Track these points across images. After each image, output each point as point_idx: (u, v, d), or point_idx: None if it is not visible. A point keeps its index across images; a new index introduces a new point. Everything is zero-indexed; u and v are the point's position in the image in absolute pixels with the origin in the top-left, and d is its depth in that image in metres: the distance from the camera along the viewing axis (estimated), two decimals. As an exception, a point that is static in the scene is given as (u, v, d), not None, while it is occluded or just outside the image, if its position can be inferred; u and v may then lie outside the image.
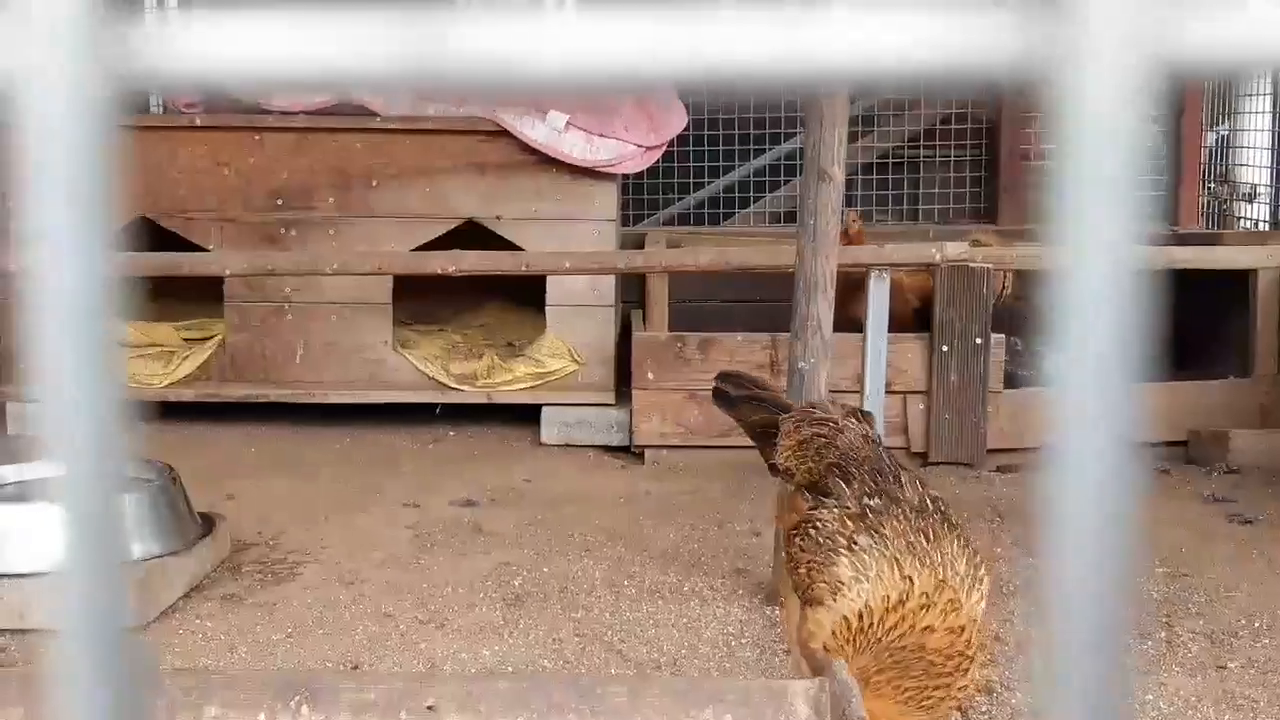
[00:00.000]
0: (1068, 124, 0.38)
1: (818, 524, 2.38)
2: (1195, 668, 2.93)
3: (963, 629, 2.15)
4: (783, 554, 2.64)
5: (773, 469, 2.77)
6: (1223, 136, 6.21)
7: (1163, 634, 3.13)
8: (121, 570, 0.38)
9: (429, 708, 2.17)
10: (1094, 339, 0.40)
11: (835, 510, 2.37)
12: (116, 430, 0.38)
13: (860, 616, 2.20)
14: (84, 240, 0.37)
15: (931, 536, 2.25)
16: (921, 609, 2.16)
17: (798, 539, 2.44)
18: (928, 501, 2.33)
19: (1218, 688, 2.82)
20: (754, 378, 3.00)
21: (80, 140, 0.36)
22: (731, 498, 4.42)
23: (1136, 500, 0.41)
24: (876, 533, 2.29)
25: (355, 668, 2.93)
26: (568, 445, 5.05)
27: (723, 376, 3.02)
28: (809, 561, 2.36)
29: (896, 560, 2.22)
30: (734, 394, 2.92)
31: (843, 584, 2.26)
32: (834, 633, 2.24)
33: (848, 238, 5.03)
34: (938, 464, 4.75)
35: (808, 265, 3.38)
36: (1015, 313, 5.50)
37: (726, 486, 4.55)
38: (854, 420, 2.61)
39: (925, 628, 2.16)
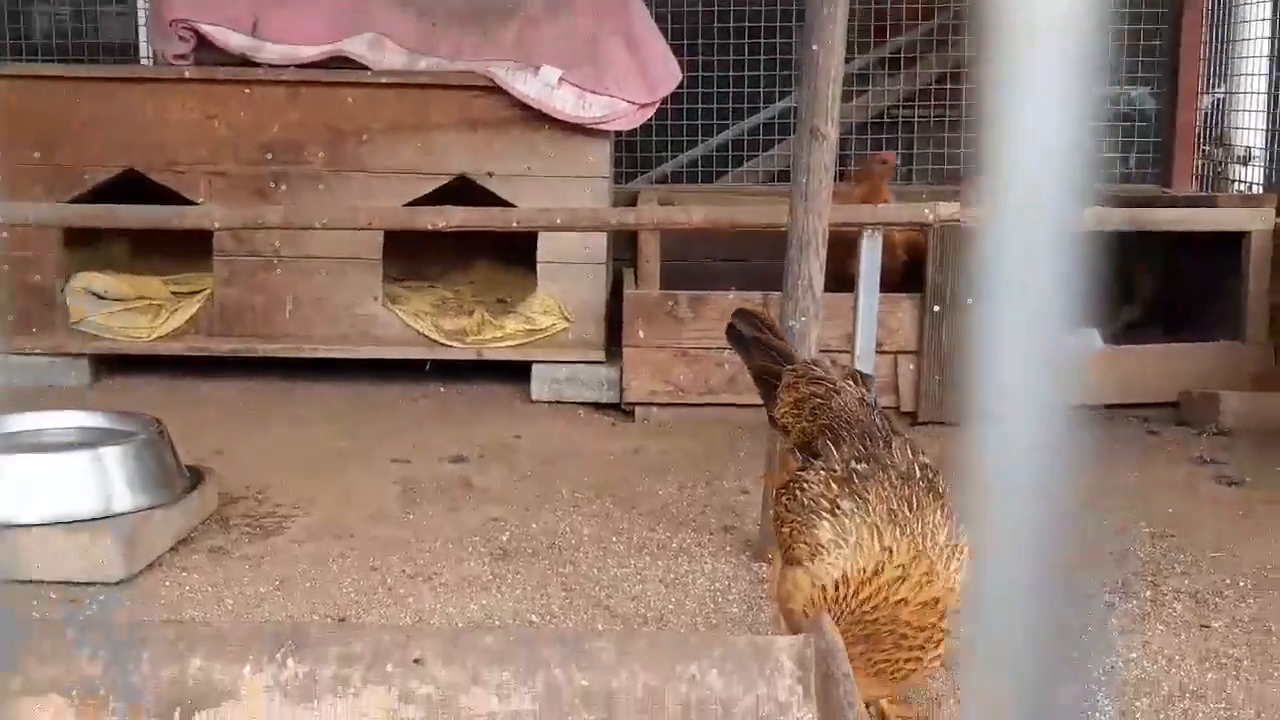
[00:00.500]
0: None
1: (804, 485, 2.38)
2: (1179, 626, 2.94)
3: (937, 600, 2.16)
4: (770, 511, 2.64)
5: (771, 421, 2.77)
6: (1219, 100, 6.18)
7: (1148, 593, 3.14)
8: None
9: (415, 661, 2.17)
10: (1027, 293, 0.39)
11: (822, 473, 2.37)
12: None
13: (837, 586, 2.21)
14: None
15: (915, 505, 2.25)
16: (897, 580, 2.17)
17: (784, 498, 2.44)
18: (916, 469, 2.33)
19: (1201, 646, 2.84)
20: (769, 320, 2.97)
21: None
22: (720, 455, 4.43)
23: (1072, 454, 0.40)
24: (860, 498, 2.29)
25: (342, 620, 2.94)
26: (558, 402, 5.04)
27: (739, 314, 3.00)
28: (792, 521, 2.37)
29: (877, 528, 2.23)
30: (747, 335, 2.89)
31: (823, 547, 2.26)
32: (812, 599, 2.24)
33: (877, 173, 5.07)
34: (926, 424, 4.75)
35: (800, 223, 3.36)
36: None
37: (716, 444, 4.55)
38: (851, 383, 2.60)
39: (899, 600, 2.17)
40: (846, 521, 2.26)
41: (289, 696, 2.14)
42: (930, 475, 2.33)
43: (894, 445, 2.39)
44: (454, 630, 2.59)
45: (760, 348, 2.85)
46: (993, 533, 0.38)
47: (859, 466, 2.34)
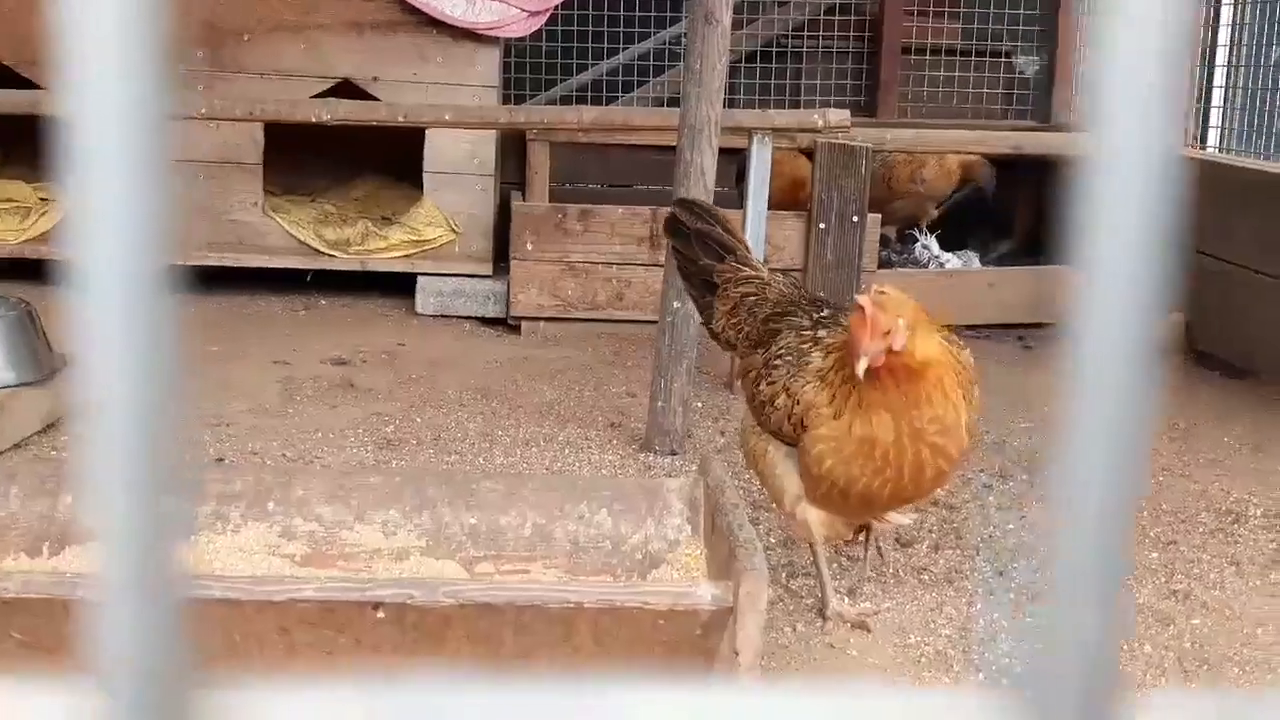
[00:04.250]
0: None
1: (781, 352, 2.35)
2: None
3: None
4: (750, 421, 2.50)
5: (713, 335, 2.70)
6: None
7: (1025, 477, 3.21)
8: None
9: (297, 499, 2.13)
10: (1124, 231, 0.38)
11: (792, 333, 2.36)
12: None
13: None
14: None
15: None
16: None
17: (765, 378, 2.38)
18: None
19: (1076, 519, 2.91)
20: (712, 209, 2.81)
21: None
22: (607, 364, 4.42)
23: (1153, 394, 0.38)
24: (837, 326, 2.29)
25: (221, 460, 2.86)
26: (443, 316, 4.98)
27: (681, 203, 2.84)
28: (784, 382, 2.31)
29: None
30: (689, 226, 2.71)
31: (824, 370, 2.24)
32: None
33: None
34: (812, 340, 4.79)
35: (692, 111, 3.35)
36: (915, 199, 5.57)
37: (603, 355, 4.54)
38: (779, 275, 2.64)
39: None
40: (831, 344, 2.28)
41: (166, 533, 2.08)
42: None
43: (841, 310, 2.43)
44: (339, 470, 2.54)
45: (701, 240, 2.71)
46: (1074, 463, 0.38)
47: (822, 314, 2.37)
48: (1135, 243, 0.38)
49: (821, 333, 2.30)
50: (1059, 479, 0.37)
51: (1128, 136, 0.38)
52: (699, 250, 2.70)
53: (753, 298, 2.54)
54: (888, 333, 2.03)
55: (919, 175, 5.54)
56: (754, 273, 2.60)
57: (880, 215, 5.02)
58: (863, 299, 2.05)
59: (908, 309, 2.07)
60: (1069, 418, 0.38)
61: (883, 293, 2.08)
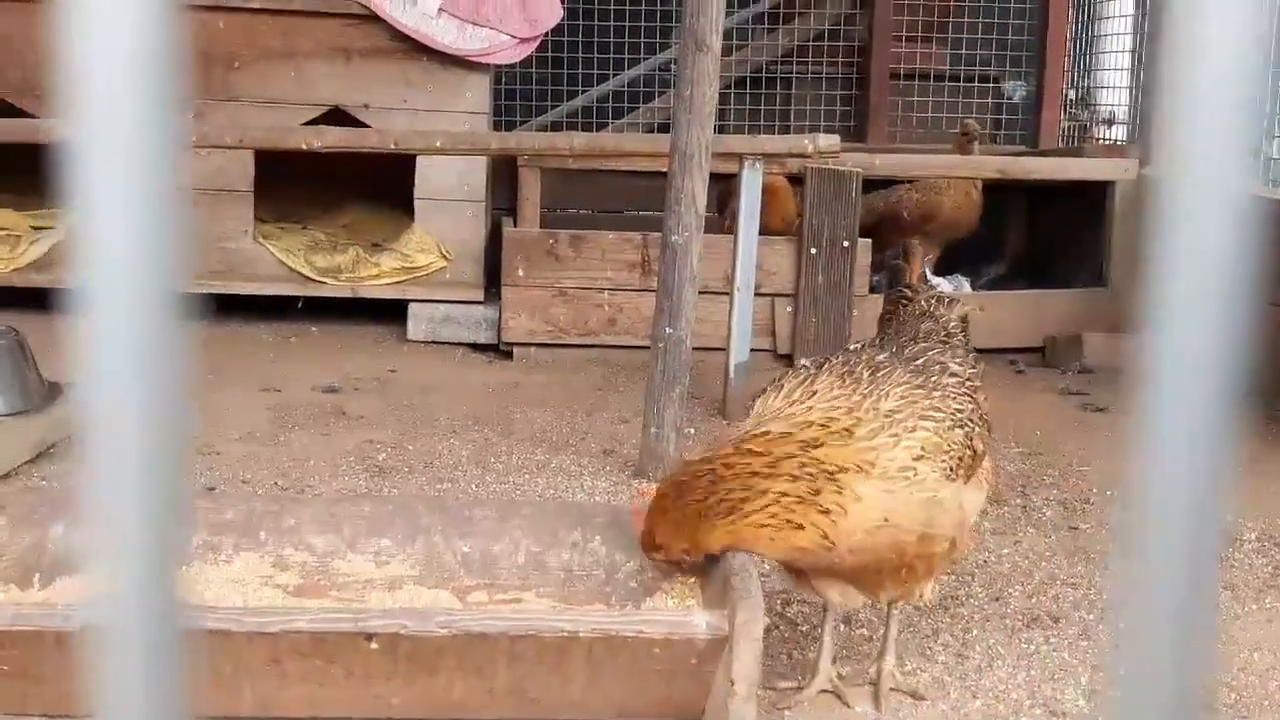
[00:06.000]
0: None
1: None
2: (1049, 529, 3.01)
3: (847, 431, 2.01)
4: None
5: None
6: (1083, 67, 6.35)
7: (1019, 501, 3.21)
8: None
9: (289, 528, 2.11)
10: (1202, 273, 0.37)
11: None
12: None
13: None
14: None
15: (885, 375, 2.09)
16: (804, 426, 2.03)
17: None
18: (934, 365, 2.19)
19: (1070, 544, 2.90)
20: (909, 246, 2.86)
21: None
22: (599, 390, 4.41)
23: (1232, 429, 0.38)
24: (823, 368, 2.18)
25: (211, 489, 2.84)
26: (435, 342, 4.97)
27: (889, 254, 2.87)
28: None
29: (814, 385, 2.10)
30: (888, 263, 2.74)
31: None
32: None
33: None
34: (804, 364, 4.79)
35: (683, 136, 3.35)
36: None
37: (595, 380, 4.53)
38: (929, 299, 2.45)
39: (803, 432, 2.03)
40: (787, 383, 2.14)
41: (156, 563, 2.06)
42: (959, 375, 2.21)
43: (926, 343, 2.26)
44: (330, 498, 2.52)
45: (890, 272, 2.70)
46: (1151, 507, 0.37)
47: (869, 354, 2.19)
48: (1214, 285, 0.37)
49: (824, 376, 2.20)
50: (1138, 527, 0.36)
51: (1206, 179, 0.37)
52: (887, 283, 2.69)
53: (889, 314, 2.47)
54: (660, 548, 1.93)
55: (935, 209, 5.44)
56: (904, 293, 2.49)
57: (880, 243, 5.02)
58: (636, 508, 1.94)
59: (682, 535, 1.92)
60: (1146, 467, 0.37)
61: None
